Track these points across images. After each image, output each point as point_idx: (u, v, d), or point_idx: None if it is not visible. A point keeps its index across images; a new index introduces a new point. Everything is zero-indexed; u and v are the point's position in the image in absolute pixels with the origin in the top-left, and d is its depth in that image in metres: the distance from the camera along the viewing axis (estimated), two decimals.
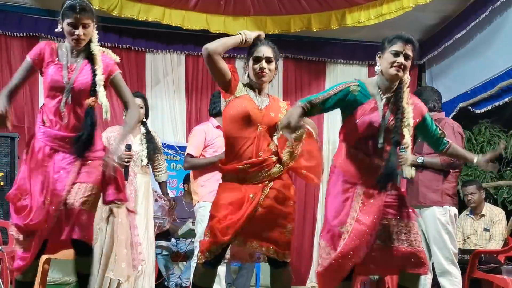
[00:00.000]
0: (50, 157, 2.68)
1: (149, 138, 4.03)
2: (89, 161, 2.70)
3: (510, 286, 3.73)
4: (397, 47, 2.63)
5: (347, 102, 2.67)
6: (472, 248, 4.58)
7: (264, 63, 2.73)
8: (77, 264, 2.73)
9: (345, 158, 2.69)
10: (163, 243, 4.94)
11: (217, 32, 5.71)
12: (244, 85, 2.79)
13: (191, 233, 4.71)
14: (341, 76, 6.66)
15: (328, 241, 2.64)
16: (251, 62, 2.75)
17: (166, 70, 6.37)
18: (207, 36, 6.35)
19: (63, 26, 2.69)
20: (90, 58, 2.74)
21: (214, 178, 3.66)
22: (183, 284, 5.04)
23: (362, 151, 2.66)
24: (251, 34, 2.73)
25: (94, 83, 2.68)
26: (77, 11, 2.62)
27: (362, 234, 2.54)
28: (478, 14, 5.30)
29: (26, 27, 5.91)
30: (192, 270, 5.03)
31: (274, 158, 2.71)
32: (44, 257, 4.29)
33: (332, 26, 5.70)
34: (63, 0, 2.71)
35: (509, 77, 5.06)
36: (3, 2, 5.80)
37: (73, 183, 2.63)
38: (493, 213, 4.77)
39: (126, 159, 3.64)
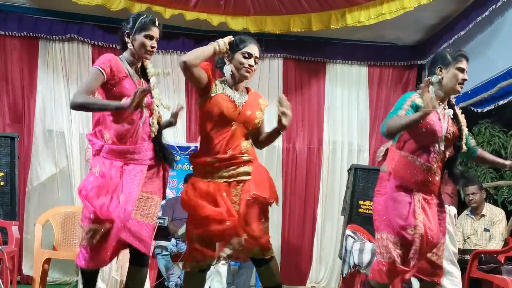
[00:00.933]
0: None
1: None
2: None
3: (510, 286, 3.72)
4: (463, 64, 2.83)
5: None
6: (472, 248, 4.58)
7: (252, 61, 2.77)
8: (128, 273, 2.80)
9: (401, 165, 2.77)
10: (163, 243, 4.93)
11: (218, 30, 5.69)
12: (221, 81, 2.81)
13: None
14: (341, 76, 6.67)
15: (397, 236, 2.70)
16: (239, 56, 2.76)
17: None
18: (207, 36, 6.36)
19: (135, 37, 2.76)
20: (143, 72, 2.89)
21: None
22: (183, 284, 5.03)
23: (422, 158, 2.75)
24: (224, 41, 2.74)
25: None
26: (156, 24, 2.79)
27: (429, 236, 2.69)
28: (478, 14, 5.29)
29: (26, 27, 5.91)
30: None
31: (245, 158, 2.73)
32: (44, 257, 4.31)
33: (332, 26, 5.70)
34: (131, 14, 2.87)
35: (509, 77, 5.06)
36: (3, 2, 5.80)
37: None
38: (494, 213, 4.76)
39: None
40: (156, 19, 2.82)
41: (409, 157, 2.76)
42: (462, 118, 2.90)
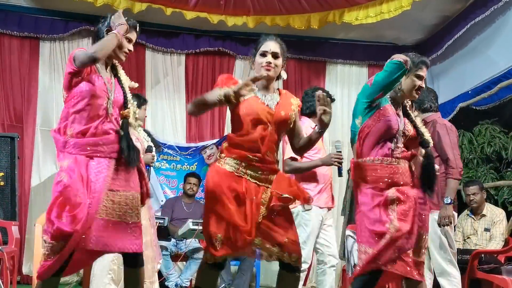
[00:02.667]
0: None
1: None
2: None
3: (510, 286, 3.72)
4: (423, 72, 2.83)
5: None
6: (472, 248, 4.58)
7: (270, 57, 2.70)
8: (124, 275, 2.78)
9: (365, 171, 2.77)
10: (163, 243, 4.93)
11: (218, 30, 5.70)
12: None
13: (191, 233, 4.71)
14: (341, 76, 6.66)
15: (370, 244, 2.70)
16: (257, 57, 2.73)
17: (166, 70, 6.37)
18: (208, 36, 6.37)
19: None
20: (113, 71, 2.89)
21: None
22: (183, 284, 5.04)
23: (381, 154, 2.77)
24: (231, 92, 2.50)
25: None
26: (137, 30, 2.84)
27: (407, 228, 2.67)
28: (478, 13, 5.28)
29: (27, 27, 5.91)
30: (191, 270, 5.06)
31: (276, 167, 2.72)
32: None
33: (332, 20, 5.69)
34: (111, 13, 2.81)
35: (510, 76, 5.05)
36: (3, 2, 5.80)
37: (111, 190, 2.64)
38: (494, 213, 4.76)
39: (151, 161, 3.91)
40: (138, 25, 2.84)
41: (368, 160, 2.77)
42: (415, 117, 2.94)
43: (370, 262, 2.69)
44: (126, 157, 2.67)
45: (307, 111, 3.90)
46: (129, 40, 2.80)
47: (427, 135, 2.91)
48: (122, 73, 2.89)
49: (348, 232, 4.64)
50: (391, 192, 2.70)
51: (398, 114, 2.84)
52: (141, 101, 4.22)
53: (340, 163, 3.69)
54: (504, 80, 5.10)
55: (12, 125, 5.86)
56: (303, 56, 6.53)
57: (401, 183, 2.75)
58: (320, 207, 3.89)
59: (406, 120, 2.88)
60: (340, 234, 5.61)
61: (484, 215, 4.78)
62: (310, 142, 2.79)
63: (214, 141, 6.14)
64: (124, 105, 2.81)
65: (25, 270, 5.58)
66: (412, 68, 2.79)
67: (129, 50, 2.80)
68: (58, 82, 6.03)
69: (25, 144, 5.81)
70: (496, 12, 5.15)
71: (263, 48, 2.72)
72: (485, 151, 5.54)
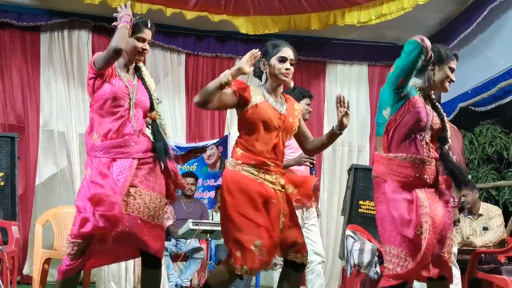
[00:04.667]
0: None
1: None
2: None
3: (510, 286, 3.72)
4: (455, 64, 2.79)
5: None
6: (472, 248, 4.57)
7: (289, 64, 2.73)
8: (142, 276, 2.76)
9: (392, 167, 2.71)
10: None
11: (218, 30, 5.71)
12: (258, 88, 2.74)
13: (191, 233, 4.71)
14: (341, 76, 6.66)
15: (403, 248, 2.61)
16: (275, 62, 2.71)
17: (166, 70, 6.37)
18: (208, 36, 6.37)
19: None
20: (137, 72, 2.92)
21: None
22: (183, 284, 5.04)
23: (410, 152, 2.70)
24: (230, 72, 2.55)
25: None
26: (149, 27, 2.78)
27: (440, 229, 2.62)
28: (478, 14, 5.29)
29: (27, 27, 5.91)
30: (191, 270, 5.06)
31: (283, 171, 2.76)
32: (44, 257, 4.31)
33: (332, 22, 5.69)
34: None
35: (510, 76, 5.06)
36: (3, 2, 5.80)
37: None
38: (490, 210, 4.74)
39: None
40: (149, 21, 2.78)
41: (398, 157, 2.69)
42: (442, 111, 2.89)
43: (401, 277, 2.63)
44: (161, 159, 2.69)
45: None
46: (143, 40, 2.74)
47: (448, 133, 2.86)
48: (146, 73, 2.87)
49: (348, 232, 4.64)
50: (420, 193, 2.66)
51: (426, 106, 2.78)
52: None
53: (312, 163, 3.70)
54: (502, 80, 5.10)
55: (13, 125, 5.87)
56: (303, 56, 6.52)
57: (431, 183, 2.71)
58: None
59: (434, 113, 2.82)
60: (340, 234, 5.62)
61: (480, 214, 4.77)
62: (328, 142, 2.86)
63: (214, 141, 6.14)
64: (151, 107, 2.82)
65: (25, 270, 5.59)
66: (445, 60, 2.77)
67: (143, 49, 2.75)
68: (58, 83, 6.04)
69: (26, 144, 5.82)
70: (496, 12, 5.16)
71: (282, 53, 2.72)
72: (486, 151, 5.52)
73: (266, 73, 2.75)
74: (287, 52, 2.74)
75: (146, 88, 2.83)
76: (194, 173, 5.69)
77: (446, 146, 2.84)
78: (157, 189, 2.69)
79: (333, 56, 6.60)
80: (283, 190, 2.70)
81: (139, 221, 2.58)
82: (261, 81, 2.80)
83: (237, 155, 2.66)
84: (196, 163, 6.13)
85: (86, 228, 2.52)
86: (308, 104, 3.94)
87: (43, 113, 6.00)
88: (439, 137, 2.82)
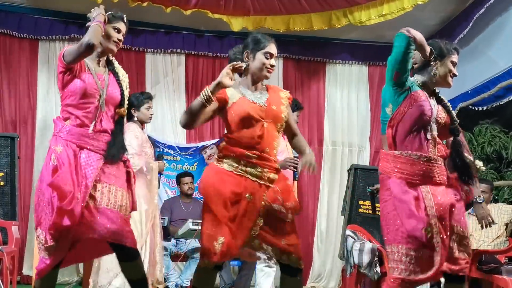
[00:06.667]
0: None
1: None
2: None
3: (510, 286, 3.71)
4: (456, 58, 2.78)
5: None
6: (474, 246, 4.56)
7: (273, 61, 2.75)
8: (123, 270, 2.75)
9: (397, 164, 2.68)
10: (163, 243, 4.93)
11: (218, 30, 5.69)
12: (235, 86, 2.72)
13: (191, 233, 4.71)
14: (341, 76, 6.66)
15: (410, 245, 2.59)
16: (261, 56, 2.71)
17: (166, 70, 6.36)
18: (208, 36, 6.37)
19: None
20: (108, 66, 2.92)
21: None
22: (183, 284, 5.04)
23: (415, 149, 2.68)
24: (211, 88, 2.57)
25: None
26: (124, 21, 2.80)
27: (450, 225, 2.61)
28: (478, 13, 5.29)
29: (26, 28, 5.90)
30: (191, 270, 5.06)
31: (277, 166, 2.73)
32: None
33: (333, 24, 5.69)
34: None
35: (510, 76, 5.06)
36: (3, 2, 5.80)
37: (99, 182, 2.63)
38: (500, 208, 4.71)
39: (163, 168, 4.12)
40: (125, 16, 2.79)
41: (404, 154, 2.67)
42: (447, 103, 2.88)
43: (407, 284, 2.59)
44: (106, 152, 2.67)
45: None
46: (118, 30, 2.75)
47: (457, 124, 2.83)
48: (119, 68, 2.85)
49: (348, 232, 4.65)
50: (425, 191, 2.63)
51: (430, 100, 2.76)
52: (140, 100, 4.17)
53: (295, 167, 3.71)
54: (502, 80, 5.10)
55: (12, 125, 5.86)
56: (303, 56, 6.53)
57: (438, 181, 2.68)
58: None
59: (440, 107, 2.80)
60: (340, 234, 5.62)
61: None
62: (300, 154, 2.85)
63: (214, 141, 6.14)
64: (121, 102, 2.79)
65: (25, 270, 5.58)
66: (447, 54, 2.76)
67: (118, 39, 2.75)
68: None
69: (26, 144, 5.81)
70: (496, 12, 5.16)
71: (268, 49, 2.73)
72: (485, 151, 5.53)
73: (247, 65, 2.74)
74: (273, 48, 2.75)
75: (118, 82, 2.80)
76: (189, 172, 5.70)
77: (459, 137, 2.81)
78: (122, 185, 2.71)
79: (333, 56, 6.59)
80: (271, 185, 2.67)
81: (118, 216, 2.60)
82: (239, 76, 2.80)
83: (220, 148, 2.73)
84: (196, 163, 6.14)
85: (52, 226, 2.55)
86: (298, 116, 4.24)
87: (43, 113, 5.98)
88: (450, 128, 2.79)
